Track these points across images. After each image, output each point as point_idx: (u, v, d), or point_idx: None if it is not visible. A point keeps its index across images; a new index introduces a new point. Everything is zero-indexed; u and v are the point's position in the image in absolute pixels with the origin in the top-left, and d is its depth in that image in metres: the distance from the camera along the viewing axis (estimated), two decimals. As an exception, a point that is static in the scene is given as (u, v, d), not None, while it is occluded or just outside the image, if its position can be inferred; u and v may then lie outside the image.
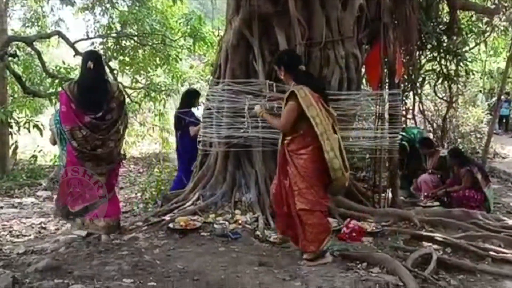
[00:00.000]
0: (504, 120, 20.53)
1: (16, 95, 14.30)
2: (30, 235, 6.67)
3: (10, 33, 13.38)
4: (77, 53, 13.61)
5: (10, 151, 12.49)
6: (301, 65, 5.23)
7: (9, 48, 12.22)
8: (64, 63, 14.02)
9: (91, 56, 5.68)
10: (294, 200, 4.88)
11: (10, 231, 6.91)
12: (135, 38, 14.46)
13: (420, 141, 8.75)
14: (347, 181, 4.97)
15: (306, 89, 4.79)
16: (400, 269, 4.37)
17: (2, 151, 11.88)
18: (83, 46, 14.48)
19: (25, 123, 11.14)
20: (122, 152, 5.84)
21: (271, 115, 5.42)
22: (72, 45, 13.43)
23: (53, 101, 12.46)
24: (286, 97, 4.91)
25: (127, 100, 15.04)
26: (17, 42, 13.43)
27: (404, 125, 9.72)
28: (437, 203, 7.65)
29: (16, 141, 12.66)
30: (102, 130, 5.44)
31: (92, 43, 14.49)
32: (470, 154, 11.94)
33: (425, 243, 5.53)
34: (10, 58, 11.87)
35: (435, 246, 5.34)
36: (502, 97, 15.52)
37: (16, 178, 11.12)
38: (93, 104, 5.40)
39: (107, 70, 13.87)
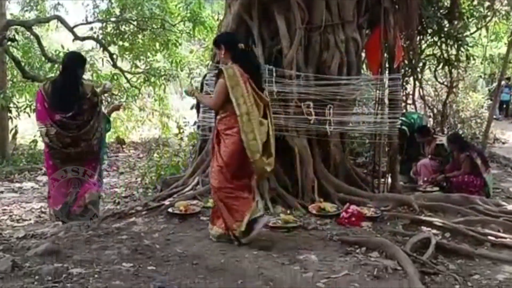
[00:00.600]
0: (504, 106, 20.52)
1: (15, 80, 14.22)
2: (30, 219, 6.71)
3: (9, 17, 13.30)
4: (76, 37, 13.55)
5: (10, 136, 12.47)
6: (241, 44, 5.18)
7: (8, 33, 12.13)
8: (63, 47, 13.93)
9: (70, 58, 5.94)
10: None
11: (10, 216, 6.95)
12: (135, 23, 14.37)
13: (417, 130, 8.74)
14: (270, 167, 4.94)
15: (236, 68, 4.81)
16: (399, 254, 4.38)
17: (2, 135, 11.86)
18: (83, 31, 14.42)
19: (25, 107, 11.14)
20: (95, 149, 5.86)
21: (202, 94, 5.56)
22: (71, 29, 13.36)
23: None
24: (217, 75, 4.96)
25: (127, 85, 15.05)
26: (16, 27, 13.34)
27: (404, 110, 9.71)
28: (436, 188, 7.65)
29: (16, 126, 12.67)
30: (73, 129, 5.57)
31: (92, 28, 14.39)
32: (470, 139, 11.94)
33: (424, 228, 5.54)
34: (9, 43, 11.80)
35: (434, 231, 5.36)
36: (503, 82, 15.48)
37: (16, 163, 11.13)
38: (64, 104, 5.53)
39: (107, 54, 13.96)
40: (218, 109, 4.99)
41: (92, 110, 5.69)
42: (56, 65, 12.75)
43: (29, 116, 11.38)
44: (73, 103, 5.54)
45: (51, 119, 5.50)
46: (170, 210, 5.93)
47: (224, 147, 4.87)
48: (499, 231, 5.40)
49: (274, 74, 6.45)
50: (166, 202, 6.25)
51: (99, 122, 5.83)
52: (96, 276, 3.91)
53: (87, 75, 14.07)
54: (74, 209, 5.76)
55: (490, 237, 5.12)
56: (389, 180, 7.31)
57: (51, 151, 5.67)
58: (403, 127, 8.29)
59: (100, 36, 14.19)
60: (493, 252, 4.77)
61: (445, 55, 10.60)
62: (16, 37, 13.04)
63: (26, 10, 15.41)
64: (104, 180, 9.74)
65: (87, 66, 14.20)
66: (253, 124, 4.72)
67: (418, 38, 9.74)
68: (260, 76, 5.18)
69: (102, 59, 14.63)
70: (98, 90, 5.99)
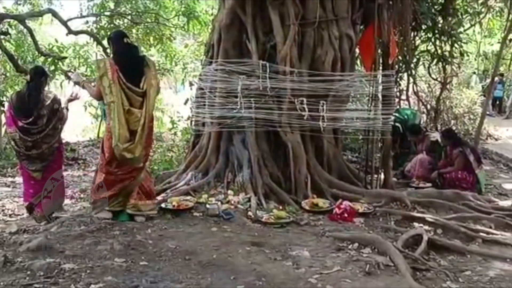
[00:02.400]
0: (497, 102, 20.57)
1: (8, 74, 14.15)
2: (22, 214, 6.67)
3: (2, 10, 13.24)
4: (70, 31, 13.46)
5: (3, 130, 12.40)
6: (126, 38, 5.60)
7: (1, 26, 12.06)
8: (57, 41, 13.88)
9: (35, 72, 6.27)
10: None
11: (3, 210, 6.92)
12: (129, 17, 14.32)
13: (408, 129, 8.75)
14: (130, 154, 5.28)
15: (107, 60, 5.37)
16: (391, 250, 4.40)
17: (-6, 130, 11.81)
18: (76, 25, 14.35)
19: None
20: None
21: (88, 84, 5.98)
22: (65, 23, 13.26)
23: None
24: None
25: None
26: (9, 20, 13.25)
27: (397, 107, 9.72)
28: (429, 185, 7.67)
29: (8, 120, 12.58)
30: (33, 134, 6.03)
31: (86, 22, 14.33)
32: (463, 136, 11.99)
33: (416, 224, 5.57)
34: (2, 36, 11.72)
35: (426, 227, 5.39)
36: (496, 78, 15.55)
37: (9, 157, 11.07)
38: (25, 111, 6.03)
39: (102, 48, 13.88)
40: (98, 99, 5.72)
41: (52, 115, 6.12)
42: (49, 59, 12.69)
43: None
44: (32, 110, 6.01)
45: (15, 125, 6.05)
46: (163, 205, 5.92)
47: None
48: (490, 227, 5.44)
49: (268, 70, 6.45)
50: (159, 198, 6.24)
51: (60, 127, 6.27)
52: (88, 271, 3.90)
53: (80, 70, 14.08)
54: (37, 210, 6.16)
55: (481, 234, 5.16)
56: (382, 176, 7.33)
57: (18, 153, 6.29)
58: (397, 123, 8.30)
59: (94, 30, 14.11)
60: (484, 248, 4.81)
61: (439, 51, 10.63)
62: (9, 30, 12.95)
63: (20, 4, 15.31)
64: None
65: (81, 60, 14.22)
66: (116, 113, 5.20)
67: (412, 34, 9.75)
68: (133, 69, 5.39)
69: (96, 54, 14.57)
70: (66, 98, 6.55)
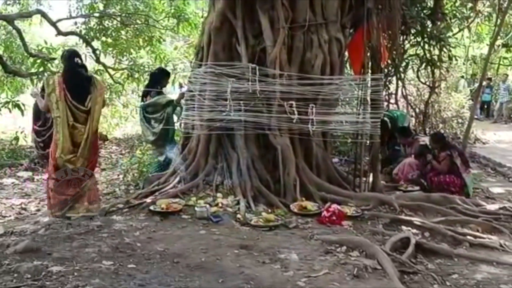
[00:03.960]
0: (485, 106, 20.70)
1: (-4, 75, 14.08)
2: (10, 216, 6.64)
3: (-10, 11, 13.16)
4: (59, 32, 13.42)
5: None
6: (77, 58, 6.01)
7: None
8: (46, 42, 13.82)
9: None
10: None
11: (-11, 212, 6.87)
12: (118, 18, 14.28)
13: (398, 131, 8.78)
14: (71, 165, 5.79)
15: (57, 78, 5.81)
16: (378, 253, 4.42)
17: (-18, 131, 11.73)
18: (66, 26, 14.30)
19: (6, 103, 11.00)
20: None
21: (40, 98, 6.42)
22: (54, 24, 13.22)
23: (35, 81, 12.31)
24: None
25: (110, 81, 14.95)
26: (-3, 20, 13.21)
27: (386, 110, 9.75)
28: (417, 188, 7.70)
29: (-4, 121, 12.56)
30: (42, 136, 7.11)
31: (75, 23, 14.29)
32: (451, 139, 12.05)
33: (404, 227, 5.59)
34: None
35: (414, 231, 5.41)
36: (484, 83, 15.62)
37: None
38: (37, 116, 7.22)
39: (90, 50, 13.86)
40: (48, 111, 6.20)
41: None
42: (38, 61, 12.62)
43: (10, 111, 11.26)
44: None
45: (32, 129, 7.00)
46: (151, 208, 5.92)
47: None
48: (478, 231, 5.47)
49: (257, 73, 6.47)
50: (148, 200, 6.25)
51: None
52: (75, 274, 3.90)
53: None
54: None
55: (468, 237, 5.19)
56: (371, 179, 7.35)
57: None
58: (385, 118, 8.29)
59: (83, 32, 14.07)
60: (472, 252, 4.84)
61: (428, 55, 10.66)
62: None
63: (9, 4, 15.23)
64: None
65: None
66: (61, 127, 5.73)
67: (401, 38, 9.79)
68: (79, 88, 5.83)
69: (85, 55, 14.52)
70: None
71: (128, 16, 14.25)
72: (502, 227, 5.56)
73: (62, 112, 5.69)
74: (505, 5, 10.43)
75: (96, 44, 14.52)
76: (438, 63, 10.86)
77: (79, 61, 5.98)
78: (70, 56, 5.97)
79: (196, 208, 5.85)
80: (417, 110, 13.49)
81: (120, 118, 16.87)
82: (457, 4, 11.63)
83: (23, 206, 7.19)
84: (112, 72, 15.27)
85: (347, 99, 7.46)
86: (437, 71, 11.40)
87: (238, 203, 6.15)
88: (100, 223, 5.40)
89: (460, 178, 7.43)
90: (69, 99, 5.72)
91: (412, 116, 13.00)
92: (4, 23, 13.49)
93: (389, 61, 9.57)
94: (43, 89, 6.95)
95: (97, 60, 14.54)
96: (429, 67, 11.05)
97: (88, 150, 5.86)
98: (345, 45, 7.29)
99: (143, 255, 4.46)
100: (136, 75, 15.04)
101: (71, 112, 5.74)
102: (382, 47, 7.31)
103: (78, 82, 5.86)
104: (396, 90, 11.29)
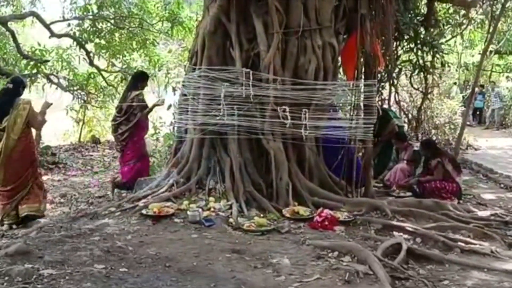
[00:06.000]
0: (478, 112, 20.83)
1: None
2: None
3: (-16, 12, 13.12)
4: (52, 34, 13.40)
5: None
6: (9, 84, 6.82)
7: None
8: (39, 44, 13.80)
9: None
10: None
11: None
12: (112, 21, 14.27)
13: (394, 136, 8.82)
14: None
15: None
16: (370, 258, 4.42)
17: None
18: (59, 28, 14.28)
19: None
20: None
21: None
22: (47, 26, 13.21)
23: (28, 83, 12.26)
24: None
25: (103, 83, 14.93)
26: (-9, 22, 13.14)
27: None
28: (409, 194, 7.74)
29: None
30: None
31: (68, 25, 14.26)
32: (444, 146, 12.11)
33: (395, 233, 5.60)
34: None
35: (406, 236, 5.42)
36: (476, 89, 15.72)
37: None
38: None
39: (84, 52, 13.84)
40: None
41: None
42: (32, 62, 12.60)
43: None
44: None
45: None
46: (144, 211, 5.90)
47: None
48: (469, 237, 5.48)
49: (251, 77, 6.48)
50: (140, 204, 6.22)
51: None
52: (67, 277, 3.88)
53: (63, 73, 14.02)
54: None
55: (460, 243, 5.20)
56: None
57: None
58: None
59: (77, 33, 14.05)
60: (463, 258, 4.84)
61: (421, 61, 10.72)
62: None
63: (2, 5, 15.20)
64: (78, 180, 9.70)
65: (64, 64, 14.15)
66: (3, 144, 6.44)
67: (395, 44, 9.85)
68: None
69: (79, 57, 14.50)
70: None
71: (122, 19, 14.24)
72: (493, 233, 5.57)
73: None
74: (497, 12, 10.51)
75: (89, 46, 14.50)
76: (431, 69, 10.95)
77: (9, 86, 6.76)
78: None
79: (188, 212, 5.84)
80: (409, 116, 13.55)
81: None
82: (450, 11, 11.71)
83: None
84: (105, 74, 15.25)
85: (340, 105, 7.48)
86: (430, 77, 11.48)
87: (230, 207, 6.13)
88: (92, 227, 5.39)
89: (453, 183, 7.48)
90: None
91: (404, 122, 13.04)
92: (-3, 24, 13.45)
93: (383, 67, 9.62)
94: None
95: (91, 63, 14.52)
96: (422, 73, 11.12)
97: (13, 164, 6.48)
98: (339, 50, 7.31)
99: (135, 259, 4.44)
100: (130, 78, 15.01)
101: None
102: (379, 53, 7.34)
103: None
104: (389, 95, 11.33)
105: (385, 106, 10.27)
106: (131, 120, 7.81)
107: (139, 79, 8.19)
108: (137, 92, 7.88)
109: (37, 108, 6.67)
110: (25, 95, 8.74)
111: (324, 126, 6.93)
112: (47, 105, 6.90)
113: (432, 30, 10.33)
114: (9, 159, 6.45)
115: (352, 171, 7.04)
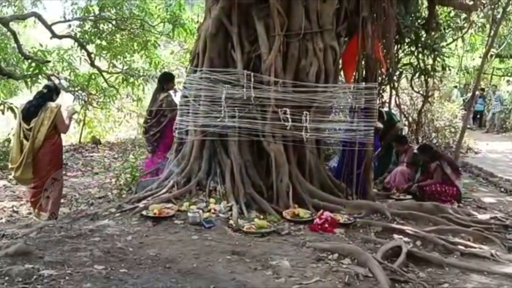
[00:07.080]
0: (478, 116, 20.83)
1: (-9, 77, 14.04)
2: (1, 218, 6.63)
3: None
4: (54, 35, 13.41)
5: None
6: (44, 89, 7.12)
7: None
8: (41, 45, 13.82)
9: None
10: None
11: (-19, 215, 6.85)
12: (113, 22, 14.29)
13: (395, 139, 8.82)
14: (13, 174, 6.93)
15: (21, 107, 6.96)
16: (370, 261, 4.43)
17: (-25, 133, 11.68)
18: (61, 28, 14.29)
19: None
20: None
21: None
22: (49, 27, 13.22)
23: (29, 83, 12.30)
24: None
25: (104, 84, 14.96)
26: (-7, 23, 13.16)
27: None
28: (409, 197, 7.74)
29: (-11, 123, 12.53)
30: None
31: (70, 25, 14.29)
32: (444, 149, 12.11)
33: (395, 236, 5.60)
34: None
35: (406, 239, 5.42)
36: (477, 93, 15.73)
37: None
38: None
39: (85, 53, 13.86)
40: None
41: None
42: (33, 63, 12.62)
43: (3, 113, 11.24)
44: None
45: None
46: (144, 212, 5.90)
47: None
48: (469, 240, 5.49)
49: (252, 80, 6.49)
50: (141, 205, 6.22)
51: None
52: (67, 278, 3.88)
53: (64, 74, 14.03)
54: None
55: (459, 247, 5.21)
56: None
57: None
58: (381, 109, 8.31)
59: (78, 34, 14.06)
60: (463, 261, 4.85)
61: (422, 64, 10.74)
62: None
63: (4, 6, 15.22)
64: (78, 180, 9.70)
65: (65, 64, 14.18)
66: (15, 143, 6.87)
67: (396, 47, 9.86)
68: (27, 114, 6.83)
69: (80, 58, 14.52)
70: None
71: (123, 20, 14.25)
72: (493, 237, 5.59)
73: (18, 133, 6.88)
74: (498, 16, 10.52)
75: (90, 47, 14.52)
76: (431, 73, 10.95)
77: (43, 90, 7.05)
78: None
79: (188, 214, 5.84)
80: (410, 119, 13.55)
81: (114, 123, 16.87)
82: (451, 14, 11.72)
83: (15, 209, 7.18)
84: (106, 75, 15.27)
85: (341, 107, 7.48)
86: (430, 81, 11.49)
87: (230, 209, 6.14)
88: (92, 227, 5.39)
89: (453, 186, 7.48)
90: (21, 123, 6.81)
91: (405, 125, 13.04)
92: (-1, 25, 13.47)
93: (383, 70, 9.63)
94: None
95: (92, 64, 14.53)
96: (422, 77, 11.13)
97: (37, 163, 6.74)
98: (340, 53, 7.32)
99: (135, 260, 4.45)
100: (131, 79, 15.05)
101: (22, 131, 6.80)
102: (382, 55, 7.34)
103: (27, 106, 6.90)
104: (390, 98, 11.33)
105: (385, 109, 10.26)
106: (162, 122, 7.90)
107: (164, 81, 8.24)
108: (166, 94, 7.99)
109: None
110: (25, 95, 8.81)
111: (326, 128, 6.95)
112: (73, 110, 7.47)
113: (433, 33, 10.33)
114: (35, 158, 6.73)
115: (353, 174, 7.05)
